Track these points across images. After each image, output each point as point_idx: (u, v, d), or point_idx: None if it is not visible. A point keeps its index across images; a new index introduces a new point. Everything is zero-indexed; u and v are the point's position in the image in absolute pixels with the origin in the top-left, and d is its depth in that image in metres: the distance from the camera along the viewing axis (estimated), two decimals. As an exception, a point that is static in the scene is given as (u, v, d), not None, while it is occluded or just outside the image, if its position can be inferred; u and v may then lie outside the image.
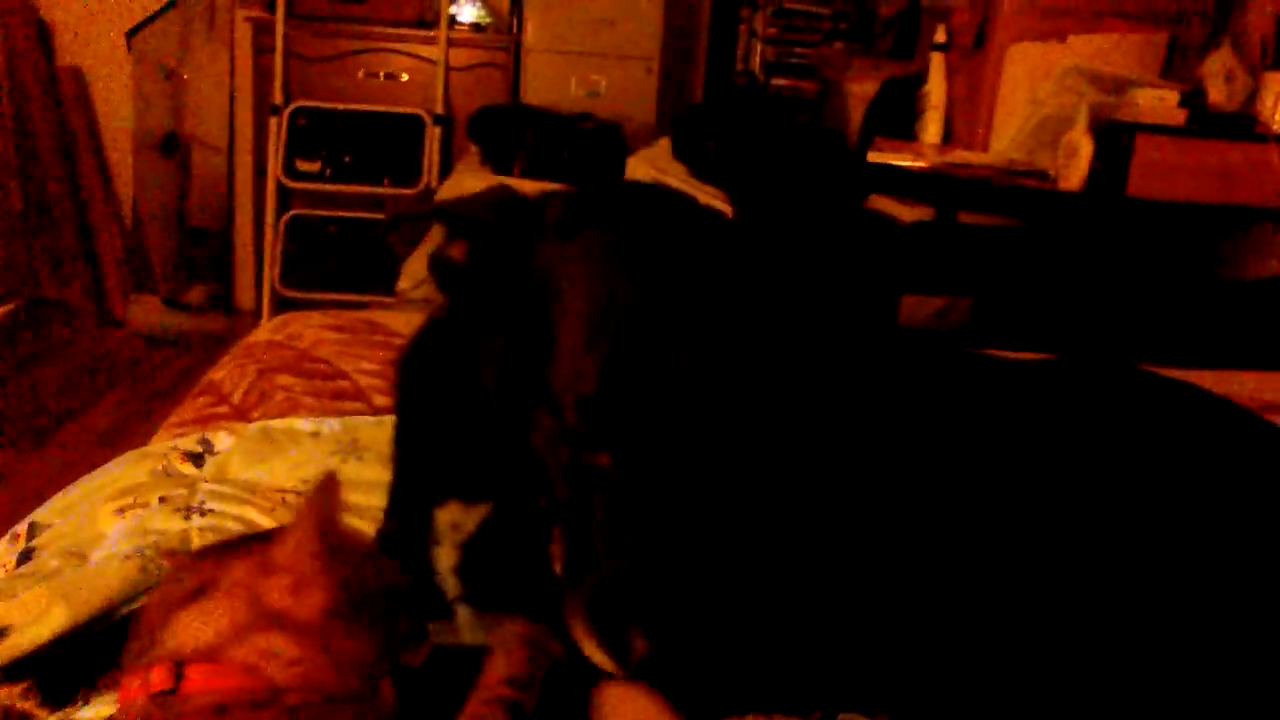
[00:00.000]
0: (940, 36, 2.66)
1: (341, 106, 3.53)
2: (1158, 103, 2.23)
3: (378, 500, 1.05)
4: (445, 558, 0.94)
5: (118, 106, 3.67)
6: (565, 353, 0.73)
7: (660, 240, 0.78)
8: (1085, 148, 2.18)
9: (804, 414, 0.84)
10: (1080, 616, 0.79)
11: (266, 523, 1.13)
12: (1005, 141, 2.50)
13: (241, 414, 1.43)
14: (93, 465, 1.31)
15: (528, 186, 2.61)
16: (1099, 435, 0.89)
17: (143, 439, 1.44)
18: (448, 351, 0.91)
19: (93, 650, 0.90)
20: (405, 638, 0.67)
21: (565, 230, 0.79)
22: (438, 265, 0.85)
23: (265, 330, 1.81)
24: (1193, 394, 0.95)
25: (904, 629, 0.83)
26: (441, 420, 0.94)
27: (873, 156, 2.43)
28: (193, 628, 0.60)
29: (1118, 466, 0.86)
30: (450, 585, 0.93)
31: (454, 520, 0.93)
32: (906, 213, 2.36)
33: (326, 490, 0.66)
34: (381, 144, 3.53)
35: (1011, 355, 1.32)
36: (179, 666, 0.58)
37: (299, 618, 0.60)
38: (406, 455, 1.01)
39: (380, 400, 1.43)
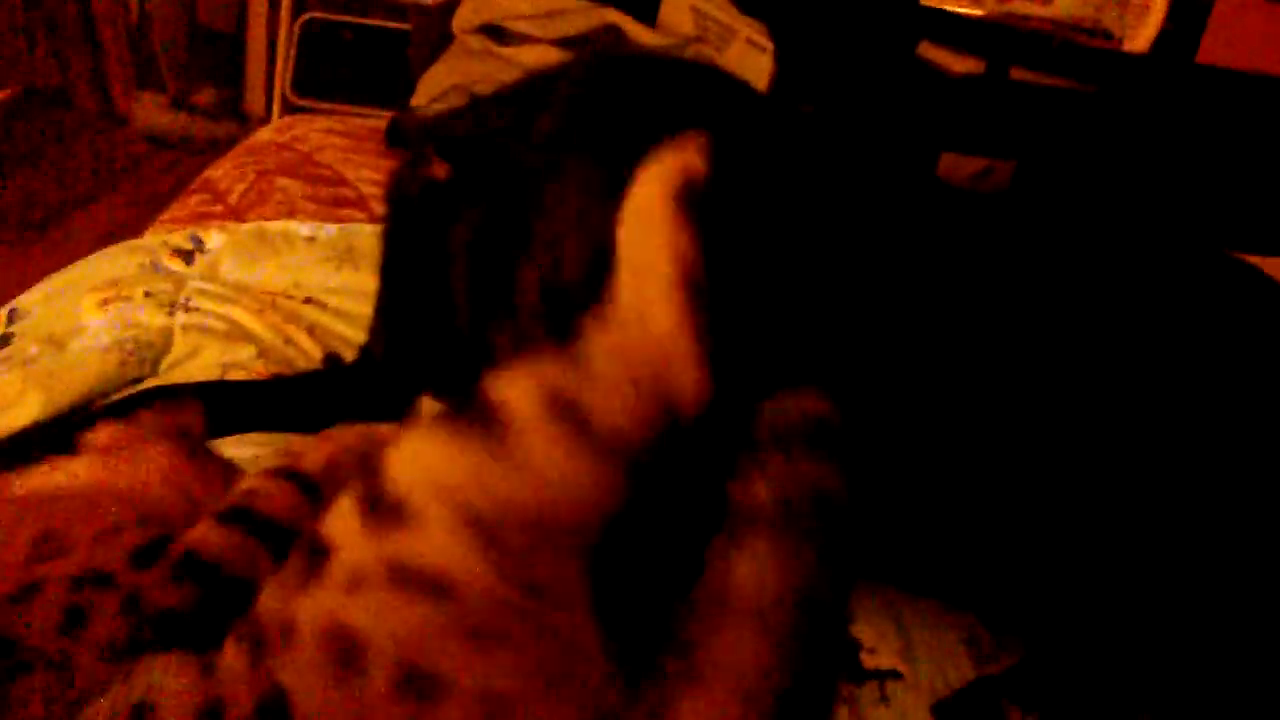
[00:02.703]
0: None
1: (367, -98, 3.37)
2: (1244, -40, 2.09)
3: (367, 308, 1.02)
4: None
5: (127, -116, 3.52)
6: (541, 245, 0.72)
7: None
8: (1158, 5, 2.06)
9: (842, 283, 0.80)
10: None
11: (252, 324, 1.11)
12: (1072, -6, 2.37)
13: (237, 214, 1.40)
14: (88, 263, 1.29)
15: (559, 2, 2.49)
16: (1155, 316, 0.86)
17: (140, 233, 1.42)
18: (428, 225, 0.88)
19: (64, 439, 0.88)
20: None
21: (557, 148, 0.76)
22: (421, 186, 0.84)
23: (269, 131, 1.76)
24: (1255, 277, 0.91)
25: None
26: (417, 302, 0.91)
27: (926, 0, 2.32)
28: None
29: (1172, 349, 0.83)
30: None
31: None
32: (957, 63, 2.25)
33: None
34: (409, -54, 3.39)
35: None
36: None
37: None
38: (391, 284, 0.97)
39: (381, 209, 1.39)
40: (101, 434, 0.65)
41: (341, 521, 0.48)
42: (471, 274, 0.80)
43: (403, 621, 0.46)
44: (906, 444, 0.81)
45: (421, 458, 0.49)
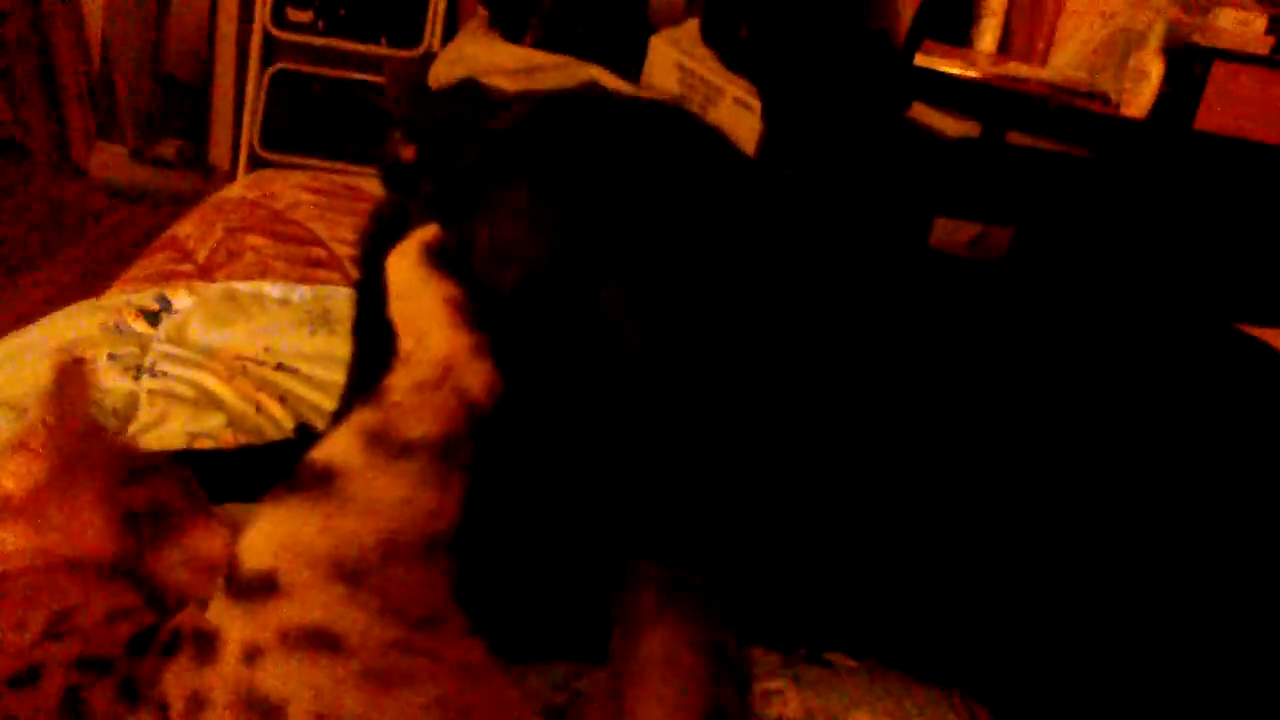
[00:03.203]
0: (1007, -67, 2.58)
1: (341, -48, 3.43)
2: (1241, 26, 2.16)
3: (342, 376, 1.03)
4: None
5: (90, -71, 3.57)
6: (478, 258, 0.76)
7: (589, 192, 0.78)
8: (1155, 71, 2.13)
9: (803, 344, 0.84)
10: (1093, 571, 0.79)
11: (221, 390, 1.12)
12: (1067, 57, 2.43)
13: (205, 273, 1.41)
14: (44, 322, 1.30)
15: (538, 58, 2.55)
16: (1142, 386, 0.88)
17: (101, 293, 1.43)
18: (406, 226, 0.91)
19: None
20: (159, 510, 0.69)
21: (500, 160, 0.81)
22: (387, 164, 0.89)
23: (239, 186, 1.78)
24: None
25: (900, 562, 0.82)
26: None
27: (920, 60, 2.37)
28: None
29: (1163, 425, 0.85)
30: None
31: None
32: (951, 126, 2.31)
33: (68, 376, 0.71)
34: (382, -2, 3.45)
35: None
36: None
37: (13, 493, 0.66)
38: (366, 340, 0.99)
39: (356, 273, 1.41)
40: (3, 476, 0.66)
41: (219, 606, 0.55)
42: None
43: (310, 679, 0.52)
44: (893, 524, 0.83)
45: (276, 530, 0.56)
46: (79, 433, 0.69)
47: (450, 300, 0.67)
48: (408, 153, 0.88)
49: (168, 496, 0.69)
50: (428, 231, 0.72)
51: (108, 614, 0.59)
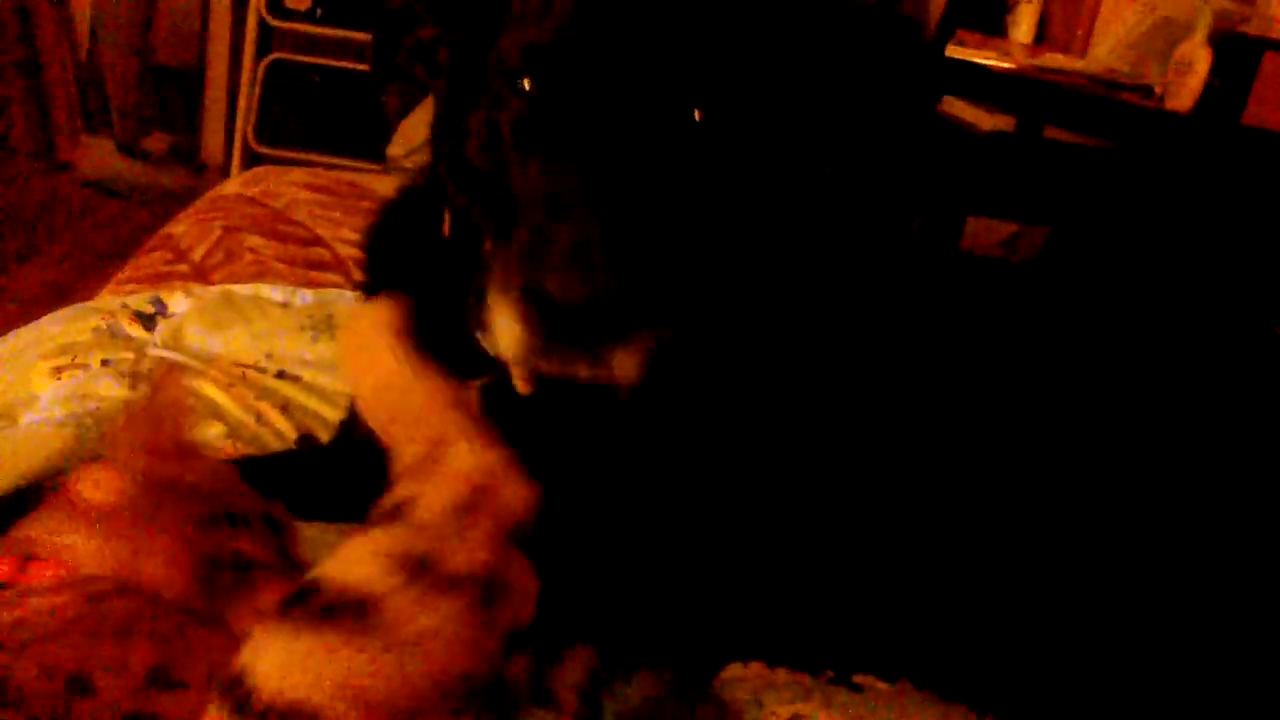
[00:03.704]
0: (1044, -85, 2.59)
1: (340, -65, 3.44)
2: (1293, 16, 2.17)
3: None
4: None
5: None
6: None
7: None
8: (1202, 62, 2.12)
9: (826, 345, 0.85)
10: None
11: (220, 399, 1.13)
12: (1108, 47, 2.44)
13: (202, 274, 1.42)
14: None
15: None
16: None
17: (91, 295, 1.44)
18: (419, 222, 0.91)
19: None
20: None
21: None
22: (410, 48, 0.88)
23: (236, 183, 1.79)
24: None
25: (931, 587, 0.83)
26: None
27: (952, 51, 2.38)
28: (32, 522, 0.68)
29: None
30: None
31: None
32: (984, 120, 2.31)
33: (164, 385, 0.71)
34: (384, -16, 3.46)
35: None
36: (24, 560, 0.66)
37: (95, 505, 0.65)
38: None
39: (361, 275, 1.42)
40: (86, 483, 0.66)
41: None
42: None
43: None
44: (926, 540, 0.84)
45: (309, 662, 0.53)
46: (169, 453, 0.68)
47: (457, 403, 0.66)
48: (428, 33, 0.87)
49: (254, 553, 0.67)
50: (387, 309, 0.70)
51: (209, 669, 0.58)
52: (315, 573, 0.57)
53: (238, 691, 0.53)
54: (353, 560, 0.57)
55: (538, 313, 0.62)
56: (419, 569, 0.57)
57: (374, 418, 0.68)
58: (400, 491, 0.61)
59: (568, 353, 0.64)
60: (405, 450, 0.65)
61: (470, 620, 0.56)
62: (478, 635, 0.57)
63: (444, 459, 0.62)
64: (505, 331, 0.64)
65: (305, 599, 0.56)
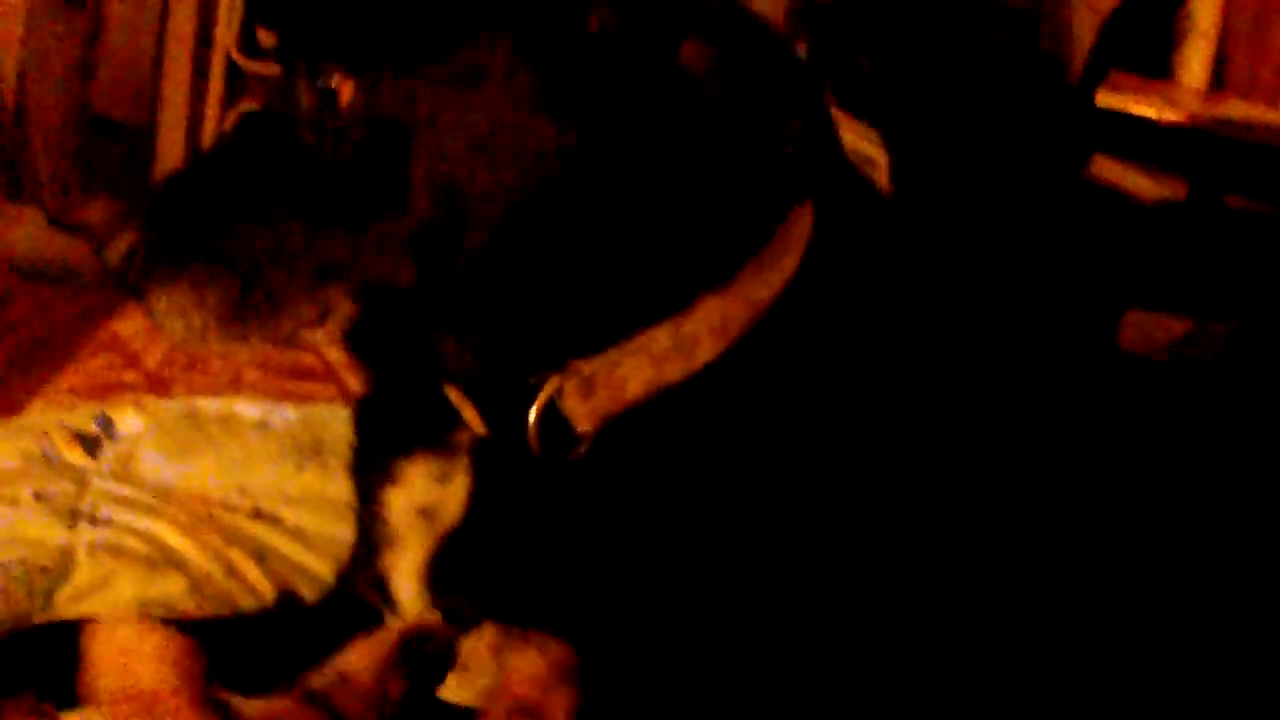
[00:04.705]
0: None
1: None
2: None
3: (340, 529, 1.05)
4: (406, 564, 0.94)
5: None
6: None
7: None
8: None
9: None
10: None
11: (182, 545, 1.14)
12: (1306, 93, 2.45)
13: (158, 385, 1.45)
14: (-57, 438, 1.33)
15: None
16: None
17: (14, 408, 1.46)
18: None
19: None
20: None
21: None
22: None
23: (198, 269, 1.83)
24: None
25: None
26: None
27: (1103, 99, 2.40)
28: None
29: None
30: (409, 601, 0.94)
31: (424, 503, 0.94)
32: (1147, 187, 2.33)
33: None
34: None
35: None
36: None
37: None
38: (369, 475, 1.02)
39: (357, 383, 1.44)
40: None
41: None
42: None
43: None
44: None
45: None
46: None
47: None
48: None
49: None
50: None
51: None
52: None
53: None
54: None
55: None
56: None
57: None
58: None
59: None
60: None
61: None
62: None
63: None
64: None
65: None
